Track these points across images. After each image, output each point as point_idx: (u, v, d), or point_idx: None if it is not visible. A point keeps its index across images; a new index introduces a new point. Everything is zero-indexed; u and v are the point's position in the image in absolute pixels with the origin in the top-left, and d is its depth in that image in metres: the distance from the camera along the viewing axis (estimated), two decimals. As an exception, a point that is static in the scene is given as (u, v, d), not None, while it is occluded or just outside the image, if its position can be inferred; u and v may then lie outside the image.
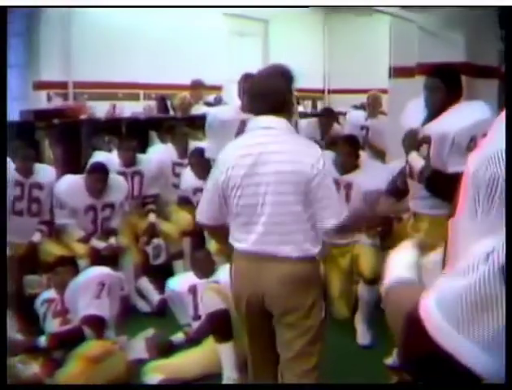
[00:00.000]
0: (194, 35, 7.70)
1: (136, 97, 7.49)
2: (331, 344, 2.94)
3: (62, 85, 6.85)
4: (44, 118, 6.15)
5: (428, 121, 3.25)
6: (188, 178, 5.36)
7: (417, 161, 3.23)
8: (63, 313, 3.97)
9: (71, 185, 4.92)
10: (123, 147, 5.53)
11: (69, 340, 3.68)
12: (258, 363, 2.77)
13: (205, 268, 4.18)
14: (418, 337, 0.84)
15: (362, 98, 7.52)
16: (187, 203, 5.40)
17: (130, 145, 5.52)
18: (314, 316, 2.62)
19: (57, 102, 6.75)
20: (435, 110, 3.23)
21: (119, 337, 3.94)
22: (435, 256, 1.19)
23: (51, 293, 4.12)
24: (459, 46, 5.94)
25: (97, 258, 4.66)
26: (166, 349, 4.03)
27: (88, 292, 3.80)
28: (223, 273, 3.94)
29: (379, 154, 6.47)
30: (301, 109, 7.52)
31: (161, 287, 4.64)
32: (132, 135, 5.99)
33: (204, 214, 2.75)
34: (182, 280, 4.28)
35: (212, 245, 4.51)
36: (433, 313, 0.83)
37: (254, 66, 5.91)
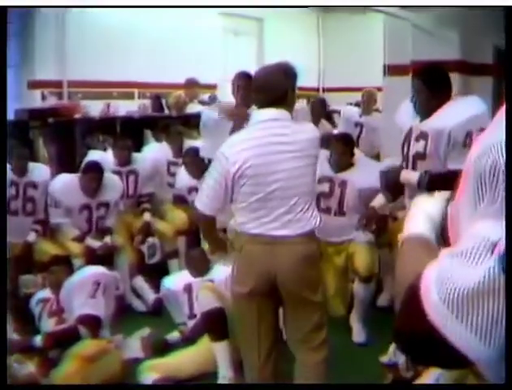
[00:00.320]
0: (189, 34, 7.70)
1: (130, 96, 7.49)
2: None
3: (57, 84, 6.85)
4: (38, 117, 6.14)
5: (421, 120, 3.26)
6: (184, 177, 5.36)
7: (410, 175, 3.26)
8: (59, 312, 3.96)
9: (65, 184, 4.91)
10: (118, 146, 5.53)
11: (64, 340, 3.68)
12: (260, 344, 2.85)
13: (200, 267, 4.17)
14: (416, 313, 0.84)
15: (357, 96, 7.51)
16: (182, 202, 5.40)
17: (125, 143, 5.51)
18: (321, 292, 2.91)
19: (51, 101, 6.74)
20: (422, 110, 3.25)
21: (114, 336, 3.93)
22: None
23: (46, 293, 4.12)
24: (453, 44, 5.95)
25: (92, 257, 4.66)
26: (161, 348, 4.03)
27: (84, 291, 3.79)
28: (218, 271, 3.95)
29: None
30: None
31: (156, 286, 4.63)
32: (127, 134, 5.99)
33: (208, 205, 2.83)
34: (177, 279, 4.27)
35: (207, 244, 4.51)
36: (432, 292, 0.83)
37: (249, 64, 5.91)
